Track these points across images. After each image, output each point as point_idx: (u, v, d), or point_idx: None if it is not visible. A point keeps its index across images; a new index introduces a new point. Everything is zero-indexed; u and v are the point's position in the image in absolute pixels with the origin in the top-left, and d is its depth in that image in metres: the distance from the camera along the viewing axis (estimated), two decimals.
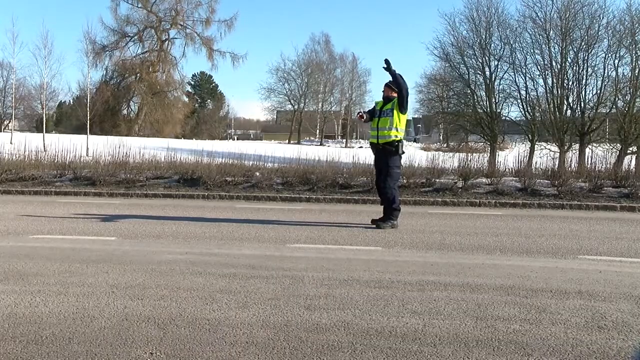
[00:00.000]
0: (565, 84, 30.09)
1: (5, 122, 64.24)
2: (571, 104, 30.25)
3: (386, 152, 7.83)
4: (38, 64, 33.47)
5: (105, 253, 6.04)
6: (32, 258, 5.72)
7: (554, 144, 29.85)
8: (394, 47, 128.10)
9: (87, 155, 17.33)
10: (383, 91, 8.08)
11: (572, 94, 30.30)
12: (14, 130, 43.39)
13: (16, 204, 10.36)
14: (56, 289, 4.58)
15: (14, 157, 15.58)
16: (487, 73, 32.75)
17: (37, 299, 4.30)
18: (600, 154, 18.08)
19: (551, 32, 29.96)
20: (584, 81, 29.81)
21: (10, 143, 25.96)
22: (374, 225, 7.93)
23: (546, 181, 11.92)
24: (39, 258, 5.73)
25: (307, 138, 72.40)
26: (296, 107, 71.03)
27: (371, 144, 8.19)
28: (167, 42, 64.58)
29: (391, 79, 7.79)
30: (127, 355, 3.25)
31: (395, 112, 7.77)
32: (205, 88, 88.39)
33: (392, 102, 7.86)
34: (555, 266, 5.63)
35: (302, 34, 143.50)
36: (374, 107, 8.22)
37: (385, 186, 7.86)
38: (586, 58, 29.56)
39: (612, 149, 27.42)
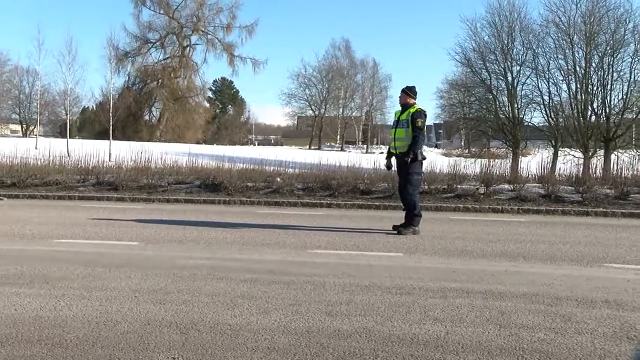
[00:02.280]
0: (589, 89, 29.65)
1: (30, 128, 65.38)
2: (596, 110, 29.78)
3: (405, 160, 7.78)
4: (62, 70, 33.67)
5: (127, 258, 6.10)
6: (57, 262, 5.80)
7: (578, 150, 29.41)
8: (415, 52, 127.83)
9: (109, 160, 17.56)
10: (400, 98, 8.06)
11: (597, 99, 29.83)
12: (39, 135, 44.02)
13: (41, 209, 10.51)
14: (80, 293, 4.63)
15: (39, 162, 15.85)
16: (510, 78, 32.41)
17: (61, 303, 4.35)
18: (626, 160, 17.77)
19: (575, 36, 29.56)
20: (609, 86, 29.33)
21: (36, 148, 26.34)
22: (395, 232, 7.90)
23: (570, 187, 11.78)
24: (63, 262, 5.80)
25: (328, 144, 72.42)
26: (317, 112, 71.14)
27: (389, 153, 8.25)
28: (188, 48, 65.20)
29: (407, 87, 7.96)
30: None
31: (410, 127, 7.73)
32: (226, 94, 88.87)
33: (408, 112, 7.79)
34: (580, 274, 5.55)
35: (322, 40, 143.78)
36: (395, 116, 8.21)
37: (406, 192, 7.84)
38: (611, 63, 29.10)
39: (638, 155, 26.94)
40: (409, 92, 7.92)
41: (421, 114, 7.81)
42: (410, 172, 7.79)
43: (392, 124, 8.18)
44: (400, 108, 8.09)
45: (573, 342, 3.60)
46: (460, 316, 4.11)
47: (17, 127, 70.92)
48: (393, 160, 8.24)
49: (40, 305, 4.28)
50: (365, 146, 69.58)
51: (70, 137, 32.98)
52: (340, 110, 71.92)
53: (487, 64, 33.07)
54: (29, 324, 3.86)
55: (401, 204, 8.32)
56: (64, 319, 3.96)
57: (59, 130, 61.78)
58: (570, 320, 4.03)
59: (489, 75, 33.19)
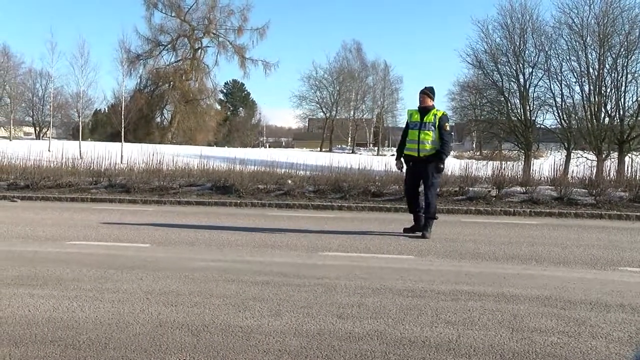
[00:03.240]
0: (603, 91, 29.44)
1: (43, 130, 65.96)
2: (609, 112, 29.56)
3: (429, 163, 7.62)
4: (75, 73, 34.18)
5: (139, 260, 6.13)
6: (69, 264, 5.84)
7: (591, 152, 29.20)
8: (426, 54, 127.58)
9: (121, 162, 17.65)
10: (420, 100, 7.84)
11: (610, 101, 29.62)
12: (52, 137, 44.42)
13: (54, 211, 10.59)
14: (92, 295, 4.66)
15: (52, 165, 15.97)
16: (522, 80, 32.26)
17: (74, 304, 4.38)
18: None
19: (588, 38, 29.36)
20: (623, 88, 29.12)
21: (49, 150, 26.62)
22: (406, 235, 7.91)
23: (583, 190, 11.67)
24: (76, 264, 5.84)
25: (339, 146, 72.42)
26: (328, 114, 71.22)
27: (406, 155, 7.93)
28: (200, 50, 65.56)
29: (427, 88, 7.83)
30: None
31: (437, 130, 7.58)
32: (237, 96, 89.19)
33: (433, 114, 7.63)
34: (594, 277, 5.50)
35: (333, 42, 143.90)
36: (410, 117, 7.94)
37: (429, 200, 7.69)
38: (626, 64, 28.88)
39: None
40: (429, 94, 7.77)
41: (448, 118, 7.87)
42: (435, 176, 7.74)
43: (409, 124, 7.86)
44: (415, 109, 7.90)
45: (587, 347, 3.57)
46: (472, 319, 4.09)
47: (31, 130, 71.63)
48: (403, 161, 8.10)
49: (53, 307, 4.32)
50: (376, 148, 69.57)
51: (82, 140, 33.29)
52: (351, 112, 71.98)
53: (499, 66, 32.95)
54: (42, 325, 3.89)
55: (409, 207, 8.20)
56: (77, 321, 3.99)
57: (72, 133, 62.15)
58: (584, 324, 3.99)
59: (500, 77, 33.06)
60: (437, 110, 7.75)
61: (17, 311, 4.21)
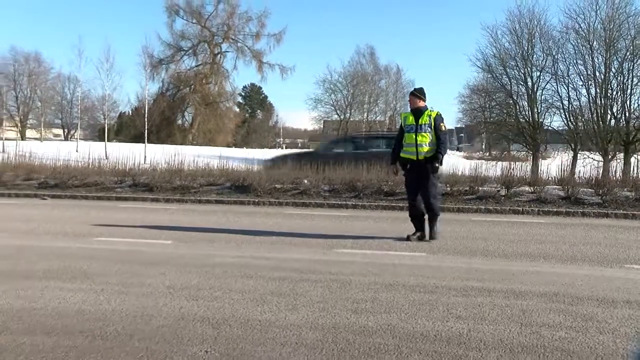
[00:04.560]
0: (609, 94, 29.12)
1: (71, 132, 66.64)
2: (615, 114, 29.22)
3: (427, 164, 7.17)
4: (101, 77, 34.30)
5: (162, 256, 6.17)
6: (96, 259, 5.90)
7: (597, 153, 28.89)
8: (437, 58, 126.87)
9: (144, 162, 17.77)
10: (409, 101, 7.46)
11: (617, 103, 29.30)
12: (79, 139, 44.87)
13: (81, 209, 10.70)
14: (118, 289, 4.70)
15: (79, 165, 16.14)
16: (529, 83, 32.00)
17: (101, 297, 4.43)
18: None
19: (595, 42, 29.05)
20: (629, 91, 28.77)
21: (76, 151, 26.88)
22: (409, 241, 7.25)
23: (590, 190, 11.56)
24: (102, 259, 5.90)
25: None
26: (342, 117, 71.02)
27: (403, 159, 7.40)
28: (219, 55, 65.66)
29: (417, 90, 7.45)
30: (184, 353, 3.31)
31: (433, 131, 7.15)
32: (255, 99, 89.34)
33: (427, 115, 7.18)
34: (601, 275, 5.45)
35: (347, 47, 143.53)
36: (404, 120, 7.47)
37: (431, 201, 7.24)
38: (631, 68, 28.52)
39: None
40: (419, 95, 7.32)
41: (442, 118, 7.33)
42: (434, 177, 7.26)
43: (403, 128, 7.37)
44: (408, 112, 7.44)
45: (595, 342, 3.54)
46: (482, 314, 4.07)
47: (60, 131, 72.43)
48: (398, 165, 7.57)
49: (82, 299, 4.37)
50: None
51: (108, 141, 33.50)
52: (365, 114, 71.69)
53: (508, 70, 32.74)
54: (72, 316, 3.94)
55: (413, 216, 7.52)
56: (104, 313, 4.04)
57: (98, 134, 62.70)
58: (591, 320, 3.96)
59: (509, 80, 32.84)
60: (430, 110, 7.28)
61: (49, 303, 4.27)
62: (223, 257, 6.11)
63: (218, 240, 7.30)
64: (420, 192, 7.31)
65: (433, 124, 7.19)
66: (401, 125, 7.54)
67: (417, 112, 7.28)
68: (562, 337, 3.62)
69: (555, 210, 10.37)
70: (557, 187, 11.99)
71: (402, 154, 7.41)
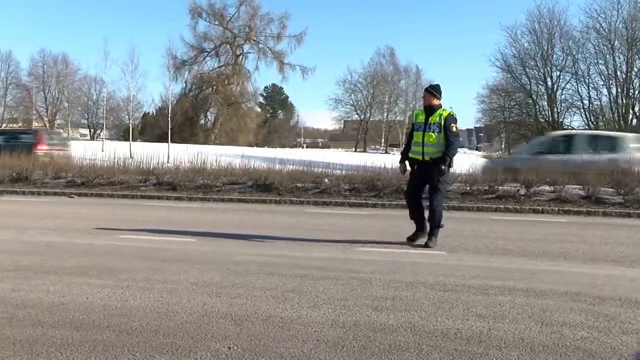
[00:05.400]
0: (630, 93, 28.66)
1: (97, 132, 67.59)
2: (637, 113, 28.77)
3: (434, 166, 6.66)
4: (125, 78, 34.83)
5: (185, 253, 6.24)
6: (122, 256, 5.98)
7: None
8: (457, 58, 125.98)
9: (168, 162, 17.93)
10: (423, 97, 7.05)
11: (638, 102, 28.81)
12: (105, 138, 45.48)
13: (107, 207, 10.86)
14: (143, 285, 4.76)
15: (105, 164, 16.37)
16: (549, 83, 31.71)
17: (126, 293, 4.49)
18: None
19: (616, 42, 28.66)
20: None
21: (102, 150, 27.20)
22: (410, 244, 6.88)
23: (611, 189, 11.37)
24: (127, 256, 5.98)
25: (373, 146, 72.13)
26: (362, 116, 71.03)
27: (411, 159, 6.94)
28: (241, 56, 66.00)
29: (432, 87, 7.02)
30: (207, 349, 3.34)
31: (443, 132, 6.63)
32: (276, 99, 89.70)
33: (438, 114, 6.70)
34: (623, 274, 5.36)
35: (368, 47, 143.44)
36: (415, 117, 7.08)
37: (433, 208, 6.74)
38: None
39: None
40: (434, 92, 6.83)
41: (455, 119, 6.81)
42: (441, 180, 6.74)
43: (414, 126, 6.94)
44: (421, 109, 7.01)
45: (617, 342, 3.48)
46: (502, 313, 4.04)
47: (86, 131, 73.52)
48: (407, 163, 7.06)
49: (108, 295, 4.43)
50: None
51: (132, 140, 33.88)
52: (385, 114, 71.60)
53: (527, 70, 32.48)
54: (98, 312, 4.00)
55: (409, 210, 7.14)
56: (129, 308, 4.09)
57: (123, 134, 63.47)
58: (614, 320, 3.90)
59: (528, 80, 32.56)
60: (443, 110, 6.76)
61: (76, 298, 4.34)
62: (245, 254, 6.15)
63: (240, 238, 7.35)
64: (428, 195, 6.84)
65: (443, 124, 6.66)
66: (412, 122, 7.13)
67: (430, 110, 6.81)
68: (584, 336, 3.57)
69: (575, 209, 10.23)
70: (578, 186, 11.82)
71: (410, 154, 6.96)
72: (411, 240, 6.93)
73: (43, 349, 3.30)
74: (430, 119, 6.73)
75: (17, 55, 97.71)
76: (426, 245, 6.73)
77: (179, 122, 54.74)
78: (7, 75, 62.98)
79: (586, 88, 30.39)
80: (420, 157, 6.79)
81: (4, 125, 63.70)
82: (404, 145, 7.28)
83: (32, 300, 4.30)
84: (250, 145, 57.25)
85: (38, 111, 62.70)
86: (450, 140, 6.67)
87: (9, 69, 63.07)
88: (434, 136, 6.66)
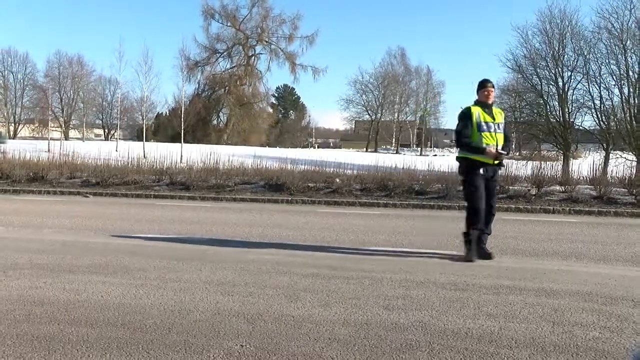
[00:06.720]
0: None
1: (111, 132, 68.09)
2: None
3: (497, 170, 6.15)
4: (139, 79, 35.42)
5: (198, 252, 6.25)
6: (135, 255, 6.01)
7: (630, 153, 28.12)
8: (467, 58, 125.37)
9: (181, 162, 18.01)
10: (487, 94, 6.01)
11: None
12: (119, 139, 45.79)
13: (121, 206, 10.92)
14: (156, 283, 4.78)
15: (119, 164, 16.47)
16: (560, 83, 31.35)
17: (140, 292, 4.51)
18: None
19: (628, 42, 28.28)
20: None
21: (116, 150, 27.39)
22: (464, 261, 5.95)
23: (623, 189, 11.27)
24: (141, 255, 6.01)
25: (384, 146, 71.94)
26: (373, 117, 70.93)
27: (480, 162, 5.93)
28: (253, 57, 66.15)
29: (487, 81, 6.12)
30: (220, 346, 3.35)
31: (502, 131, 6.02)
32: (288, 100, 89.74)
33: (499, 113, 6.08)
34: (635, 275, 5.30)
35: (379, 48, 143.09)
36: (468, 112, 5.97)
37: (494, 208, 6.13)
38: None
39: None
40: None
41: None
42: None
43: (479, 125, 5.88)
44: (479, 107, 5.99)
45: (631, 343, 3.44)
46: (513, 312, 4.01)
47: (100, 131, 74.09)
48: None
49: (122, 293, 4.45)
50: (419, 149, 68.81)
51: (146, 141, 34.05)
52: (396, 114, 71.45)
53: (538, 70, 32.15)
54: (113, 309, 4.02)
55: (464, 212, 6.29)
56: (143, 307, 4.11)
57: (136, 134, 63.86)
58: (626, 320, 3.85)
59: (539, 80, 32.25)
60: (494, 108, 6.12)
61: (92, 296, 4.37)
62: (257, 253, 6.16)
63: (252, 237, 7.36)
64: (491, 200, 6.07)
65: (504, 123, 6.13)
66: (473, 121, 5.92)
67: (490, 109, 6.02)
68: (596, 337, 3.53)
69: (587, 209, 10.14)
70: (589, 186, 11.73)
71: (474, 156, 5.94)
72: (481, 256, 5.94)
73: (59, 346, 3.32)
74: (497, 118, 6.01)
75: (34, 57, 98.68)
76: (467, 259, 5.93)
77: (191, 123, 54.97)
78: (24, 76, 63.93)
79: (597, 88, 30.07)
80: (491, 161, 5.93)
81: (21, 126, 64.46)
82: (466, 139, 5.94)
83: (48, 297, 4.33)
84: (262, 146, 57.33)
85: (54, 112, 63.29)
86: (509, 139, 6.18)
87: (25, 71, 63.99)
88: (502, 137, 6.00)
